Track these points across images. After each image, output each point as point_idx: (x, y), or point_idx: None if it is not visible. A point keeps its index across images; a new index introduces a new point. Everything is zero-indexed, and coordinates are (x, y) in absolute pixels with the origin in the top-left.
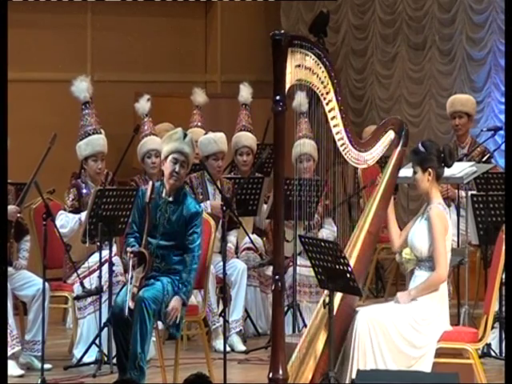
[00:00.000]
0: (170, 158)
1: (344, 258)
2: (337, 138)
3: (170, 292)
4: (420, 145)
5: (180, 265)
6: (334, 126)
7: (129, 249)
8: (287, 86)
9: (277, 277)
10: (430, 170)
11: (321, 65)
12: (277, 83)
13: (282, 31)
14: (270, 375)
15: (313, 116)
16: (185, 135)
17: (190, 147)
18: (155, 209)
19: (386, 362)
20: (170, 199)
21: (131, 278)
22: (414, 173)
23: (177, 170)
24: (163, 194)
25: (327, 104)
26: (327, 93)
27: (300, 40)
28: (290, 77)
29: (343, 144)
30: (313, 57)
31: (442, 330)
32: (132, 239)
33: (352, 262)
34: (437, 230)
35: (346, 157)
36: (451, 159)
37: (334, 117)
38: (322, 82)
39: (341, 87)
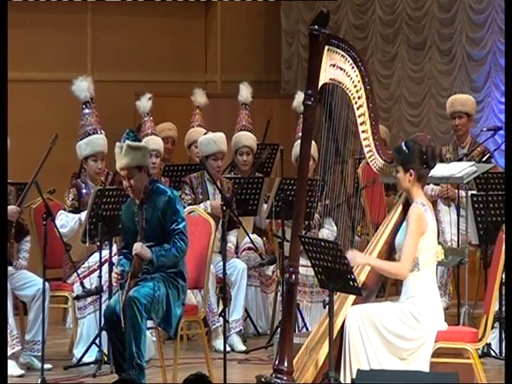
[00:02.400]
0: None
1: (344, 258)
2: (364, 144)
3: (161, 288)
4: (403, 144)
5: None
6: (363, 132)
7: (115, 269)
8: (320, 83)
9: (291, 268)
10: (411, 170)
11: (356, 68)
12: (310, 78)
13: (316, 27)
14: (275, 365)
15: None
16: (122, 146)
17: (129, 155)
18: (132, 218)
19: (377, 357)
20: (143, 201)
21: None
22: (396, 171)
23: (126, 185)
24: (136, 201)
25: (358, 109)
26: (359, 97)
27: (338, 40)
28: (324, 75)
29: (370, 151)
30: (349, 59)
31: (436, 326)
32: (122, 260)
33: (367, 271)
34: (410, 229)
35: (371, 164)
36: (433, 161)
37: (363, 122)
38: (355, 86)
39: (373, 95)
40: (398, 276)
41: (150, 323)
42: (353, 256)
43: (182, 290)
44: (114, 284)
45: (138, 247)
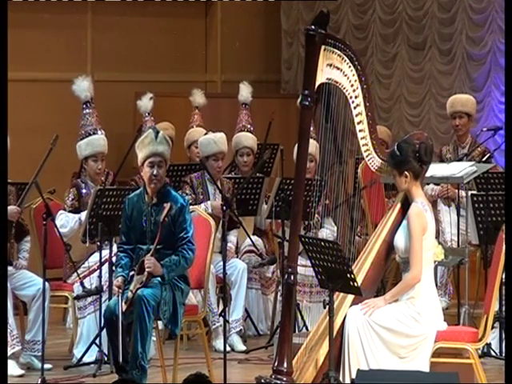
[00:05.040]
0: (146, 163)
1: (344, 258)
2: (361, 143)
3: (167, 288)
4: (396, 148)
5: None
6: (360, 131)
7: (115, 282)
8: (317, 83)
9: (290, 269)
10: (405, 172)
11: (352, 67)
12: (307, 78)
13: (313, 27)
14: (275, 366)
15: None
16: (157, 133)
17: (164, 144)
18: (140, 215)
19: (377, 356)
20: (154, 201)
21: (123, 293)
22: (393, 175)
23: (155, 173)
24: (146, 199)
25: (355, 108)
26: (356, 96)
27: (334, 40)
28: (321, 74)
29: (367, 150)
30: (345, 58)
31: (435, 325)
32: (122, 259)
33: (366, 269)
34: (413, 229)
35: (368, 163)
36: (427, 156)
37: (360, 121)
38: (352, 85)
39: (370, 93)
40: (414, 282)
41: None
42: (373, 305)
43: (184, 293)
44: (116, 293)
45: (152, 265)
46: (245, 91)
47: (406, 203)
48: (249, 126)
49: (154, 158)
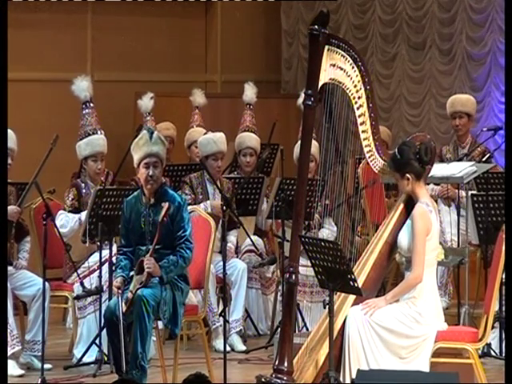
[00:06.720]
0: (142, 164)
1: (344, 258)
2: (364, 144)
3: (167, 288)
4: (396, 151)
5: None
6: (363, 132)
7: (115, 283)
8: (320, 83)
9: (291, 269)
10: (407, 175)
11: (356, 68)
12: (310, 78)
13: (316, 27)
14: (275, 365)
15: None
16: (151, 134)
17: (159, 144)
18: (138, 217)
19: (377, 357)
20: (152, 202)
21: (122, 294)
22: (396, 179)
23: (151, 173)
24: (143, 200)
25: (358, 108)
26: (359, 97)
27: (338, 40)
28: (324, 74)
29: (370, 151)
30: (349, 59)
31: (435, 325)
32: (122, 261)
33: (367, 270)
34: (417, 229)
35: (371, 164)
36: (427, 155)
37: (363, 122)
38: (355, 86)
39: (373, 94)
40: (416, 283)
41: None
42: (374, 305)
43: (184, 293)
44: (115, 294)
45: (151, 265)
46: (249, 91)
47: (409, 204)
48: (252, 127)
49: (150, 159)
